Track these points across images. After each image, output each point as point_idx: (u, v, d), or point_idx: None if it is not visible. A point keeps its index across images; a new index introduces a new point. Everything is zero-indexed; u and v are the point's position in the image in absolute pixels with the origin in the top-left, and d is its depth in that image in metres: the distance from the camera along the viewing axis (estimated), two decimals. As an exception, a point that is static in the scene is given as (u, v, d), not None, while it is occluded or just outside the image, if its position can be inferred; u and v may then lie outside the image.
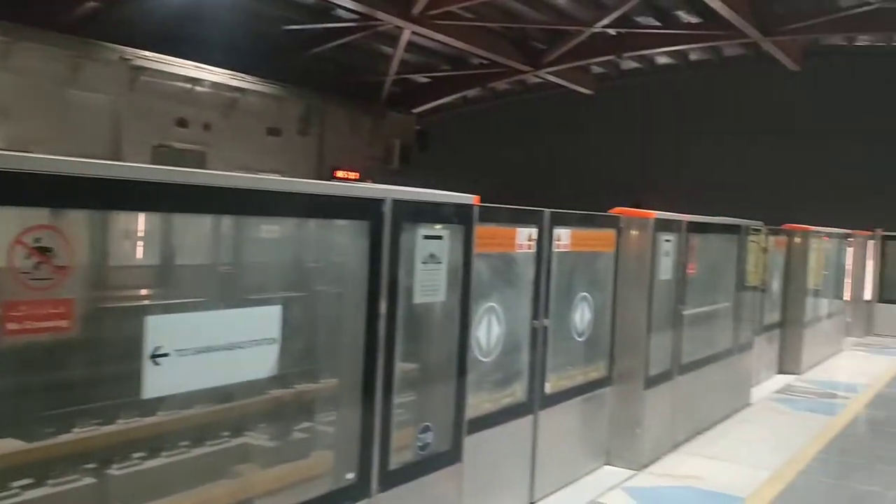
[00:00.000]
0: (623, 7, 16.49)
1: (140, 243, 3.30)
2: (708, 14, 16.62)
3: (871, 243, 16.58)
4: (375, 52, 20.32)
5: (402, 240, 3.79)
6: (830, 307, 13.50)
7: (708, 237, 8.15)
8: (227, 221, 3.44)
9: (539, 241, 5.49)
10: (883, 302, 16.63)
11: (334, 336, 3.81)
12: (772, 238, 10.91)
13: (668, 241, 6.91)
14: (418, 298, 4.02)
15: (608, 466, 6.63)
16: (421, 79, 23.60)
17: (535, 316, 5.52)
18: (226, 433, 3.77)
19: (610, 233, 6.54)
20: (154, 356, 2.80)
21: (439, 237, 4.11)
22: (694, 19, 18.16)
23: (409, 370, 4.13)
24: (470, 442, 4.49)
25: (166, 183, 2.73)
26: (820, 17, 16.84)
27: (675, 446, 7.29)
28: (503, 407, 5.29)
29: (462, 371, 4.35)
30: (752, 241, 9.09)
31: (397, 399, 3.88)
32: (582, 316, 6.17)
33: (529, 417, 5.57)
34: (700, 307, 7.95)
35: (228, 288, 3.51)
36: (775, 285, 11.28)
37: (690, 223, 7.35)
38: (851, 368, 12.62)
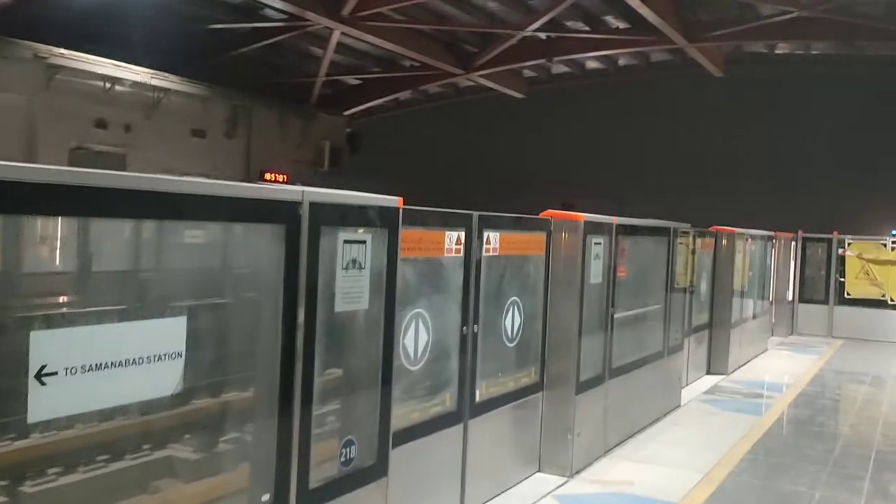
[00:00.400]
0: (553, 11, 16.58)
1: (29, 250, 3.00)
2: (636, 20, 16.88)
3: (793, 244, 17.00)
4: (305, 53, 20.01)
5: (321, 244, 3.58)
6: (756, 308, 13.77)
7: (638, 239, 8.15)
8: (128, 226, 3.17)
9: (468, 244, 5.34)
10: (804, 302, 17.09)
11: (248, 346, 3.58)
12: (699, 240, 11.03)
13: (598, 243, 6.86)
14: (340, 306, 3.81)
15: (540, 473, 6.52)
16: (352, 80, 23.42)
17: (464, 322, 5.37)
18: (126, 453, 3.49)
19: (540, 236, 6.44)
20: (40, 375, 2.54)
21: (362, 241, 3.92)
22: (622, 25, 18.42)
23: (330, 381, 3.92)
24: (397, 454, 4.30)
25: (47, 184, 2.47)
26: (742, 25, 17.28)
27: (607, 451, 7.24)
28: (432, 416, 5.12)
29: (387, 381, 4.16)
30: (681, 243, 9.14)
31: (318, 412, 3.67)
32: (512, 321, 6.04)
33: (459, 426, 5.41)
34: (631, 310, 7.93)
35: (129, 298, 3.24)
36: (703, 287, 11.41)
37: (620, 226, 7.32)
38: (776, 368, 12.87)
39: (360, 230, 3.93)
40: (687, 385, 10.71)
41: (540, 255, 6.46)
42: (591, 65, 22.76)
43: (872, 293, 16.48)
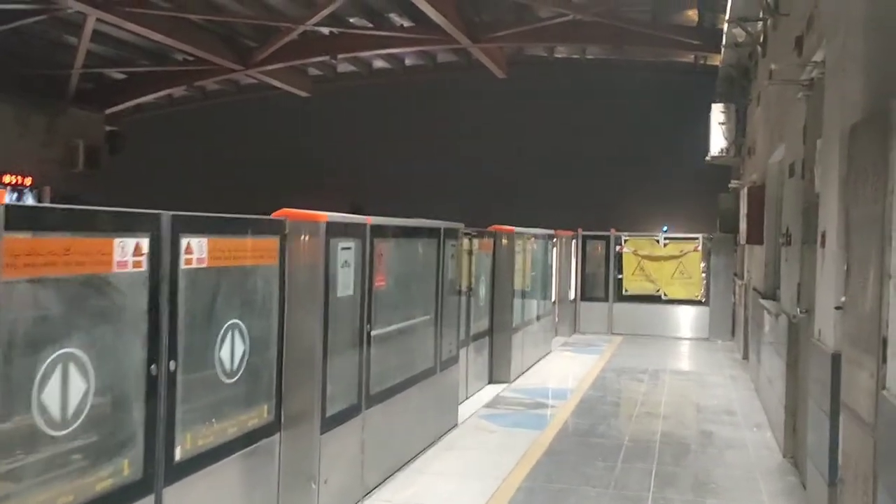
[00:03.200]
0: (332, 6, 15.49)
1: None
2: (420, 18, 16.43)
3: (574, 243, 16.93)
4: (56, 42, 17.54)
5: None
6: (539, 309, 13.34)
7: (400, 242, 7.09)
8: None
9: (155, 254, 3.98)
10: (585, 300, 17.09)
11: None
12: (477, 240, 10.26)
13: (347, 248, 5.70)
14: None
15: (280, 534, 5.27)
16: (117, 74, 21.01)
17: (152, 359, 4.00)
18: None
19: (271, 241, 5.17)
20: None
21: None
22: (407, 23, 17.84)
23: None
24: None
25: None
26: (521, 27, 17.17)
27: (366, 494, 6.12)
28: (99, 494, 3.70)
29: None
30: (452, 245, 8.23)
31: None
32: (232, 350, 4.73)
33: (150, 498, 4.02)
34: (394, 324, 6.87)
35: None
36: (482, 291, 10.66)
37: (377, 227, 6.22)
38: (559, 371, 12.46)
39: None
40: (467, 398, 9.91)
41: (272, 264, 5.19)
42: (378, 64, 22.12)
43: (648, 289, 16.75)
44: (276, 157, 25.46)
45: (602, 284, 17.02)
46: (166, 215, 4.09)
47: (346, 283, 5.72)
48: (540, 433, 8.31)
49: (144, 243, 3.92)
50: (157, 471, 4.06)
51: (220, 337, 4.62)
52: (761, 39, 11.16)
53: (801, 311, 6.85)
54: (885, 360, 3.92)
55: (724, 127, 14.82)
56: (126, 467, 3.89)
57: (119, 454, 3.87)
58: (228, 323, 4.70)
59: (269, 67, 19.88)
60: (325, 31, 18.42)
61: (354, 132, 24.74)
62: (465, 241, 9.67)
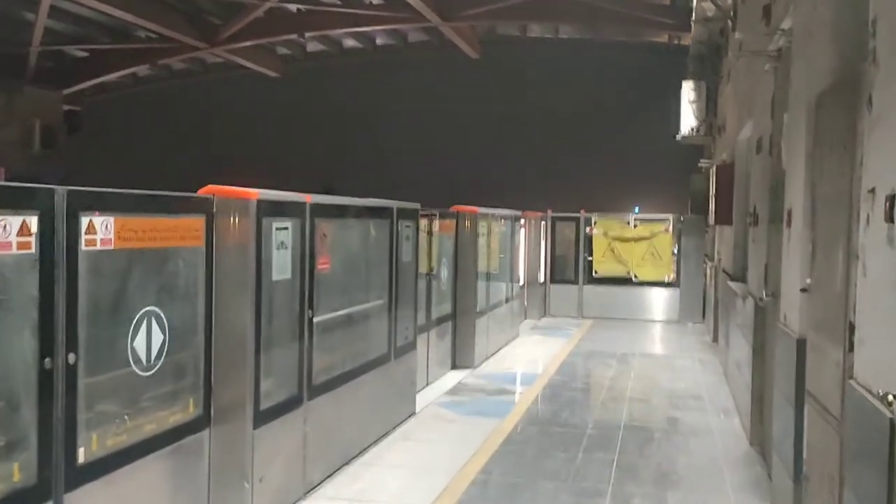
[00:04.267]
0: (299, -19, 14.99)
1: None
2: None
3: (543, 224, 16.60)
4: (12, 18, 16.84)
5: None
6: (506, 292, 13.00)
7: (348, 223, 6.69)
8: None
9: (47, 234, 3.56)
10: (555, 282, 16.79)
11: None
12: (438, 221, 9.88)
13: (283, 228, 5.30)
14: None
15: (210, 536, 4.90)
16: (78, 52, 20.32)
17: (45, 352, 3.59)
18: None
19: (195, 220, 4.76)
20: None
21: None
22: (377, 0, 17.30)
23: None
24: None
25: None
26: (493, 5, 16.84)
27: (310, 491, 5.75)
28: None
29: None
30: (407, 226, 7.84)
31: None
32: (148, 340, 4.32)
33: (47, 506, 3.63)
34: (341, 309, 6.48)
35: None
36: (444, 274, 10.30)
37: (318, 206, 5.81)
38: (526, 356, 12.15)
39: None
40: (428, 385, 9.57)
41: (197, 245, 4.78)
42: (349, 43, 21.73)
43: (618, 271, 16.47)
44: (246, 139, 24.90)
45: (572, 266, 16.72)
46: (61, 191, 3.68)
47: (282, 266, 5.32)
48: (500, 421, 7.98)
49: (33, 222, 3.50)
50: (55, 475, 3.67)
51: (132, 326, 4.22)
52: (732, 14, 10.83)
53: (767, 294, 6.55)
54: (851, 348, 3.60)
55: (694, 105, 14.52)
56: (17, 472, 3.49)
57: (8, 458, 3.47)
58: (143, 311, 4.29)
59: (236, 46, 19.41)
60: (293, 8, 17.96)
61: (326, 113, 24.25)
62: (425, 221, 9.29)
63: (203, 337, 4.86)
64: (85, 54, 20.53)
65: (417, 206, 8.20)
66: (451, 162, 23.04)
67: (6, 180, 18.43)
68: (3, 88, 18.93)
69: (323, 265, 5.96)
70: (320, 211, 5.85)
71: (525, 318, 15.55)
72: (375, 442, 7.03)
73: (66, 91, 21.34)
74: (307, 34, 19.37)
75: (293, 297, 5.54)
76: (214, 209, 4.89)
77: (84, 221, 3.80)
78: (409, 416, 8.00)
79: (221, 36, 18.52)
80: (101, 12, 16.21)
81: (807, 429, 4.54)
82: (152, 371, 4.37)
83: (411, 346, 8.10)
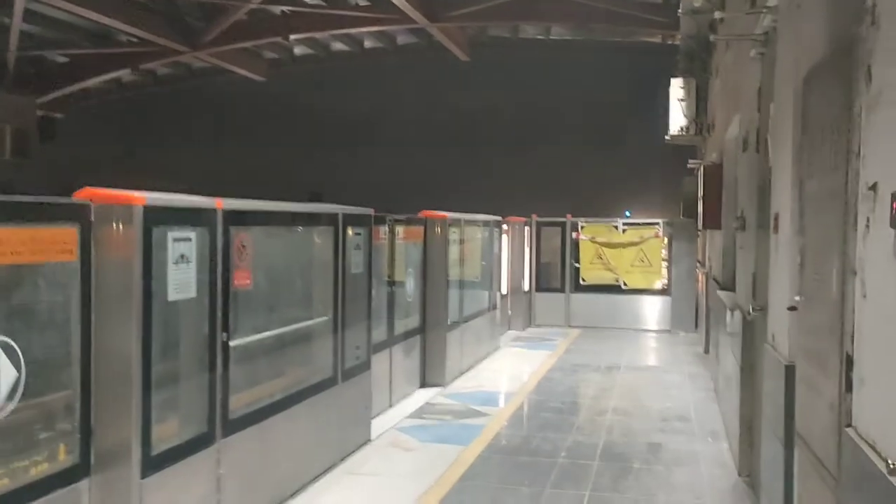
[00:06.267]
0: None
1: None
2: None
3: (527, 230, 15.82)
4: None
5: None
6: (483, 302, 12.22)
7: (277, 231, 5.93)
8: None
9: None
10: (540, 291, 16.00)
11: None
12: (401, 228, 9.11)
13: (184, 239, 4.52)
14: None
15: None
16: (58, 58, 19.81)
17: None
18: None
19: (66, 230, 3.99)
20: None
21: None
22: (362, 1, 16.84)
23: None
24: None
25: None
26: (481, 4, 16.19)
27: (223, 543, 4.97)
28: None
29: None
30: (357, 234, 7.07)
31: None
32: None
33: None
34: (268, 330, 5.70)
35: None
36: (410, 285, 9.52)
37: (232, 213, 5.02)
38: (504, 371, 11.37)
39: None
40: (391, 406, 8.80)
41: (69, 260, 4.01)
42: (337, 46, 21.15)
43: (606, 278, 15.69)
44: (232, 146, 24.29)
45: (558, 274, 15.93)
46: None
47: (183, 284, 4.54)
48: (464, 449, 7.19)
49: None
50: None
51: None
52: (721, 4, 10.07)
53: (755, 308, 5.77)
54: (849, 388, 2.82)
55: (683, 104, 13.72)
56: None
57: None
58: (-12, 340, 3.52)
59: (219, 49, 18.88)
60: (277, 10, 17.33)
61: (313, 119, 23.65)
62: (384, 228, 8.53)
63: (80, 370, 4.08)
64: (65, 59, 20.05)
65: (370, 211, 7.42)
66: (439, 166, 22.41)
67: (-25, 188, 17.72)
68: (-29, 92, 18.29)
69: (242, 281, 5.19)
70: (236, 218, 5.07)
71: (508, 329, 14.78)
72: (316, 478, 6.25)
73: (48, 97, 20.95)
74: (292, 37, 18.77)
75: (200, 319, 4.76)
76: (93, 217, 4.12)
77: None
78: (363, 445, 7.22)
79: (203, 39, 18.00)
80: (79, 16, 15.73)
81: (797, 478, 3.76)
82: (0, 414, 3.60)
83: (364, 366, 7.31)
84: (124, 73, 21.87)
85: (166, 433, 4.45)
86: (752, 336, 6.18)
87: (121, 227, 4.15)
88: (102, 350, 4.14)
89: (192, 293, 4.63)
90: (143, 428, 4.20)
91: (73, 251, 4.03)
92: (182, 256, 4.51)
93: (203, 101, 24.14)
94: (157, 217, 4.28)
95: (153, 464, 4.29)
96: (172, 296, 4.44)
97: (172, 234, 4.42)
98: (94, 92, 23.71)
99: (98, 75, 20.91)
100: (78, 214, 4.07)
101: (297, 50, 21.28)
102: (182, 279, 4.52)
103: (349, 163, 23.21)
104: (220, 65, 20.14)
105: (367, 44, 21.13)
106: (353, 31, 18.79)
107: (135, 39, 17.84)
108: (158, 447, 4.35)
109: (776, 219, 4.62)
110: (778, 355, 4.40)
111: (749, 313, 6.16)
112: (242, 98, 23.47)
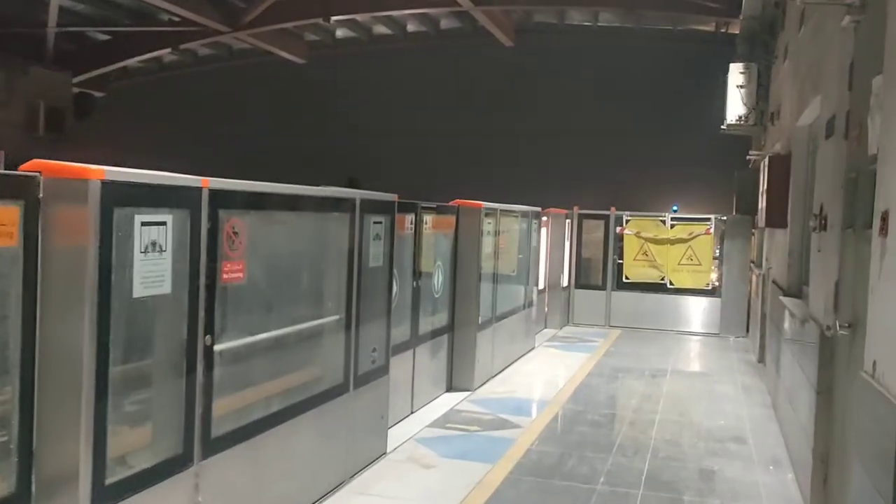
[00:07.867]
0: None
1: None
2: None
3: (568, 223, 14.90)
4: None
5: None
6: (519, 299, 11.36)
7: (281, 217, 5.14)
8: None
9: None
10: (580, 288, 15.09)
11: None
12: (430, 217, 8.29)
13: (155, 223, 3.76)
14: None
15: None
16: (100, 35, 19.51)
17: None
18: None
19: (8, 210, 3.25)
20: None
21: None
22: None
23: None
24: None
25: None
26: None
27: (198, 583, 4.22)
28: None
29: None
30: (378, 223, 6.26)
31: None
32: None
33: None
34: (266, 331, 4.93)
35: None
36: (439, 279, 8.71)
37: (221, 193, 4.24)
38: (537, 375, 10.52)
39: None
40: (413, 413, 8.02)
41: (7, 245, 3.28)
42: (379, 30, 20.60)
43: (651, 276, 14.72)
44: (272, 128, 23.85)
45: (599, 270, 15.00)
46: None
47: (154, 276, 3.78)
48: (489, 469, 6.38)
49: None
50: None
51: None
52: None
53: (841, 325, 4.84)
54: None
55: (743, 91, 12.68)
56: None
57: None
58: None
59: (260, 30, 18.55)
60: (318, -11, 16.80)
61: (353, 103, 23.07)
62: (411, 217, 7.72)
63: (19, 378, 3.35)
64: (107, 38, 19.80)
65: (393, 197, 6.60)
66: (480, 155, 21.71)
67: (4, 165, 17.32)
68: (2, 66, 17.87)
69: (233, 274, 4.42)
70: (227, 200, 4.29)
71: (544, 327, 13.92)
72: (321, 499, 5.49)
73: (88, 75, 20.71)
74: (333, 18, 18.22)
75: (177, 318, 4.00)
76: (41, 194, 3.37)
77: None
78: (378, 458, 6.45)
79: (244, 19, 17.65)
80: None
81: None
82: None
83: (380, 371, 6.52)
84: (165, 53, 21.56)
85: (128, 455, 3.70)
86: (831, 355, 5.26)
87: (73, 206, 3.40)
88: (49, 355, 3.41)
89: (167, 288, 3.87)
90: (95, 449, 3.46)
91: (13, 234, 3.29)
92: (153, 244, 3.75)
93: (242, 84, 23.76)
94: (119, 196, 3.52)
95: (109, 494, 3.54)
96: (139, 291, 3.68)
97: (140, 216, 3.66)
98: (135, 71, 23.47)
99: (138, 54, 20.77)
100: (22, 190, 3.32)
101: (339, 32, 20.76)
102: (152, 271, 3.76)
103: (388, 149, 22.61)
104: (260, 46, 19.82)
105: (410, 27, 20.49)
106: (395, 13, 18.21)
107: (176, 18, 17.44)
108: (116, 473, 3.60)
109: (884, 219, 3.71)
110: (883, 391, 3.50)
111: (829, 328, 5.23)
112: (282, 81, 22.98)
